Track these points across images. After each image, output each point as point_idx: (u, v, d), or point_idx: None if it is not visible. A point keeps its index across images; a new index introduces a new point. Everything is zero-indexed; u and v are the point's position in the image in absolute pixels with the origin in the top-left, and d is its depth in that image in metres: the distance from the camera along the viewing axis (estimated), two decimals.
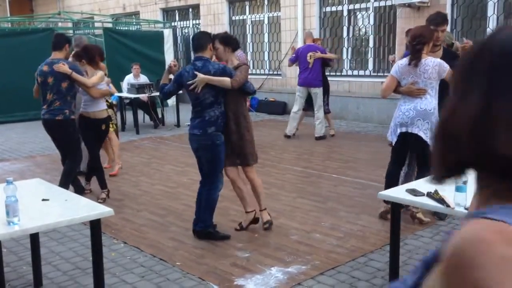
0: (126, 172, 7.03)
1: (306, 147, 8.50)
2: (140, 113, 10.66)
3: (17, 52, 11.59)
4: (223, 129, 4.45)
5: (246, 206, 4.72)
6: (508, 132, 0.74)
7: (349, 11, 11.29)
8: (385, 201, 4.64)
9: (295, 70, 10.28)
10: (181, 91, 4.88)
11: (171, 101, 12.14)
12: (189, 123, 4.58)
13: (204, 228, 4.53)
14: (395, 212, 3.45)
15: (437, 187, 3.20)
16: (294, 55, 9.05)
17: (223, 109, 4.43)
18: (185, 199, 5.66)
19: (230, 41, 4.56)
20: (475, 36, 8.80)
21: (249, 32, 13.64)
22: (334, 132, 9.33)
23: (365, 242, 4.42)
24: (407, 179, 4.78)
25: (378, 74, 10.72)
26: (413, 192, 3.29)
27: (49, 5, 20.75)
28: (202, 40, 4.44)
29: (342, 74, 11.44)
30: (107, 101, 6.31)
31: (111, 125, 6.50)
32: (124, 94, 10.44)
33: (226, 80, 4.30)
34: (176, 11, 15.81)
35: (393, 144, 4.77)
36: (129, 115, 10.60)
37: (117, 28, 14.50)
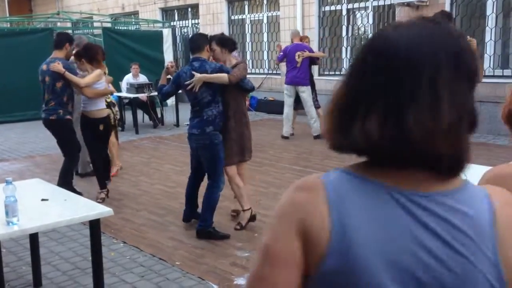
0: (126, 172, 7.02)
1: (305, 146, 8.50)
2: (140, 112, 10.66)
3: (16, 52, 11.57)
4: (222, 128, 4.49)
5: (243, 204, 4.74)
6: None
7: (348, 10, 11.29)
8: None
9: None
10: (180, 91, 4.90)
11: (171, 100, 12.12)
12: (188, 123, 4.63)
13: (204, 227, 4.54)
14: None
15: None
16: (281, 53, 9.12)
17: (221, 109, 4.46)
18: (185, 199, 5.65)
19: (227, 42, 4.65)
20: (474, 35, 8.80)
21: (248, 31, 13.64)
22: None
23: None
24: None
25: None
26: None
27: (48, 5, 20.75)
28: (199, 41, 4.51)
29: (342, 73, 11.44)
30: (106, 100, 6.28)
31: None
32: (123, 93, 10.44)
33: (223, 75, 4.35)
34: (175, 10, 15.81)
35: None
36: (128, 115, 10.59)
37: (116, 28, 14.49)
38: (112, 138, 6.97)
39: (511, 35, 9.07)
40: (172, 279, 3.82)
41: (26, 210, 3.01)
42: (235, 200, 4.95)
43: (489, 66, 8.94)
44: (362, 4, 11.00)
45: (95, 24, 14.90)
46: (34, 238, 3.78)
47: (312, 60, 9.11)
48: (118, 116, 7.36)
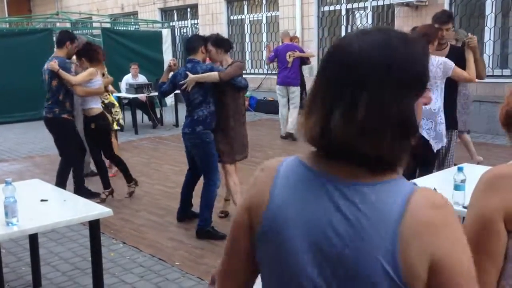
0: None
1: (304, 146, 8.44)
2: (139, 113, 10.66)
3: (15, 52, 11.57)
4: (221, 127, 4.59)
5: (237, 202, 4.78)
6: None
7: (347, 10, 11.29)
8: None
9: None
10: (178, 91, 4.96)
11: (170, 101, 12.14)
12: None
13: (204, 226, 4.56)
14: None
15: (436, 186, 3.21)
16: (272, 53, 9.18)
17: (213, 109, 4.57)
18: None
19: (222, 43, 4.75)
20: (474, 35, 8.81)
21: (247, 31, 13.64)
22: None
23: None
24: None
25: None
26: None
27: (47, 6, 20.73)
28: (194, 43, 4.65)
29: None
30: (103, 102, 6.27)
31: (113, 125, 6.50)
32: (123, 94, 10.43)
33: (214, 73, 4.47)
34: (175, 11, 15.81)
35: None
36: (127, 115, 10.58)
37: (115, 28, 14.48)
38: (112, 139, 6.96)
39: (510, 35, 9.08)
40: (172, 280, 3.82)
41: (26, 210, 3.00)
42: (224, 202, 5.14)
43: (488, 66, 8.94)
44: (361, 4, 11.01)
45: (94, 25, 14.90)
46: (33, 239, 3.78)
47: (303, 60, 9.20)
48: (117, 117, 7.33)
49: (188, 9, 15.26)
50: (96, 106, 5.61)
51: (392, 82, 0.94)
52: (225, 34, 13.32)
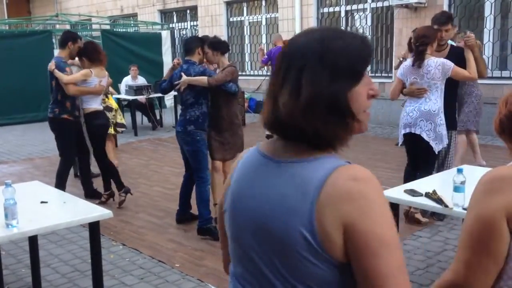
0: (124, 174, 6.99)
1: None
2: (138, 114, 10.66)
3: (15, 54, 11.54)
4: (205, 127, 4.68)
5: (216, 198, 4.82)
6: None
7: (346, 12, 11.30)
8: None
9: None
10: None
11: (169, 102, 12.15)
12: None
13: (203, 224, 4.58)
14: (394, 213, 3.45)
15: (436, 187, 3.21)
16: (266, 56, 9.28)
17: (205, 110, 4.67)
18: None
19: (218, 46, 4.81)
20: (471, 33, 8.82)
21: (247, 33, 13.65)
22: None
23: None
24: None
25: (376, 74, 10.72)
26: (412, 192, 3.29)
27: (47, 7, 20.75)
28: (191, 44, 4.74)
29: None
30: (104, 102, 6.27)
31: (110, 129, 6.49)
32: (122, 96, 10.43)
33: (203, 78, 4.57)
34: (174, 12, 15.82)
35: (400, 145, 4.91)
36: (127, 117, 10.58)
37: (115, 30, 14.49)
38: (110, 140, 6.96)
39: (509, 37, 9.09)
40: (172, 281, 3.82)
41: (26, 212, 3.00)
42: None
43: (487, 67, 8.94)
44: (360, 6, 11.02)
45: (94, 26, 14.91)
46: (33, 241, 3.78)
47: None
48: (115, 121, 7.33)
49: (188, 11, 15.28)
50: (94, 105, 5.57)
51: (325, 69, 1.08)
52: (224, 36, 13.34)
